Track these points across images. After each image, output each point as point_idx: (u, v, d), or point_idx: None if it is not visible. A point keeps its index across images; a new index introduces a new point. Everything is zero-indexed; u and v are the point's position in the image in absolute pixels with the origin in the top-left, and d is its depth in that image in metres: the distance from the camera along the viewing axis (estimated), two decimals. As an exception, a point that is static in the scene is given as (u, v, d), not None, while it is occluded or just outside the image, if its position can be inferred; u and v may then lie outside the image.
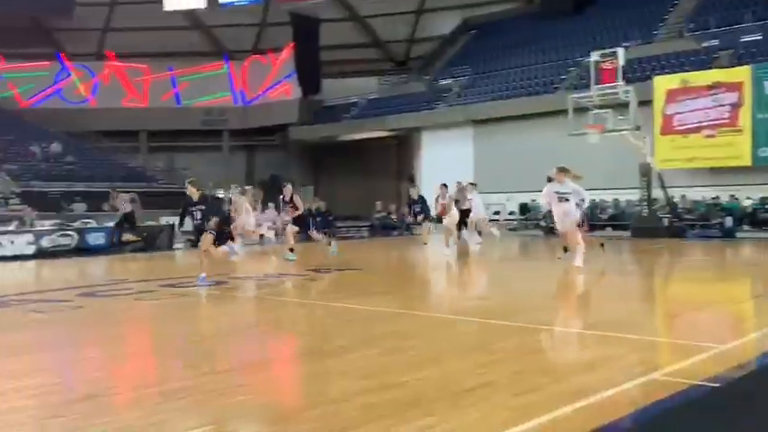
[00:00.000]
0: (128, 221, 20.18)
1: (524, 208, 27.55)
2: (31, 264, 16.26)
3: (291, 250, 14.94)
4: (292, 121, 37.60)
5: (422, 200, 17.91)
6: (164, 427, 3.77)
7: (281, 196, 15.95)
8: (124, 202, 20.60)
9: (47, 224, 19.75)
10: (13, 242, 17.42)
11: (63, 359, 5.88)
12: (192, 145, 39.18)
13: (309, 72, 37.98)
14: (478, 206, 18.97)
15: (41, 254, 17.29)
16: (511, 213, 28.05)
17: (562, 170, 11.47)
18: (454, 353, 5.51)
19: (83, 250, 18.12)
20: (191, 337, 6.78)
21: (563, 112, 22.96)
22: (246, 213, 17.78)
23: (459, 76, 34.63)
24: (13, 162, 27.63)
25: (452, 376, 4.68)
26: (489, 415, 3.78)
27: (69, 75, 39.91)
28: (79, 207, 24.15)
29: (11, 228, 18.68)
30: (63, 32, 39.71)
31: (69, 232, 18.59)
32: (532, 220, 26.06)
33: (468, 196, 19.09)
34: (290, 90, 39.00)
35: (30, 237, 17.77)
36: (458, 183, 19.49)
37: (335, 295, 9.52)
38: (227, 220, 11.43)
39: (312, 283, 11.19)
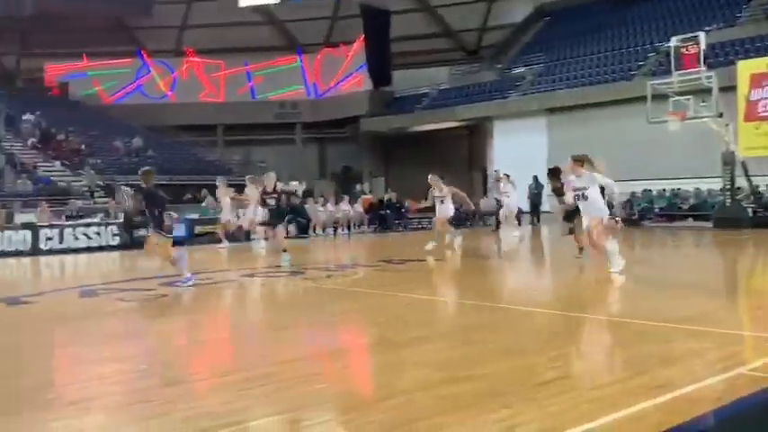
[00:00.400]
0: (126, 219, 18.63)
1: (601, 198, 26.99)
2: (116, 254, 16.95)
3: (285, 251, 12.75)
4: (363, 113, 37.82)
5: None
6: (246, 413, 3.89)
7: (263, 187, 13.94)
8: (127, 198, 19.77)
9: (130, 216, 20.51)
10: (99, 233, 18.20)
11: (148, 346, 6.12)
12: (267, 138, 39.95)
13: (380, 63, 38.07)
14: (511, 199, 18.30)
15: (125, 245, 17.99)
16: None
17: (578, 160, 9.49)
18: (531, 345, 5.46)
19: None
20: (269, 326, 6.94)
21: (641, 99, 22.31)
22: (253, 205, 16.89)
23: (532, 65, 34.08)
24: (97, 156, 28.79)
25: (530, 368, 4.64)
26: (568, 408, 3.73)
27: (149, 71, 41.28)
28: (160, 199, 24.95)
29: (97, 220, 19.52)
30: (143, 30, 41.05)
31: (151, 224, 19.25)
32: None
33: (502, 188, 18.50)
34: (362, 82, 39.23)
35: (114, 228, 18.52)
36: (495, 172, 19.12)
37: (409, 286, 9.55)
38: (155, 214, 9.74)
39: (385, 274, 11.26)
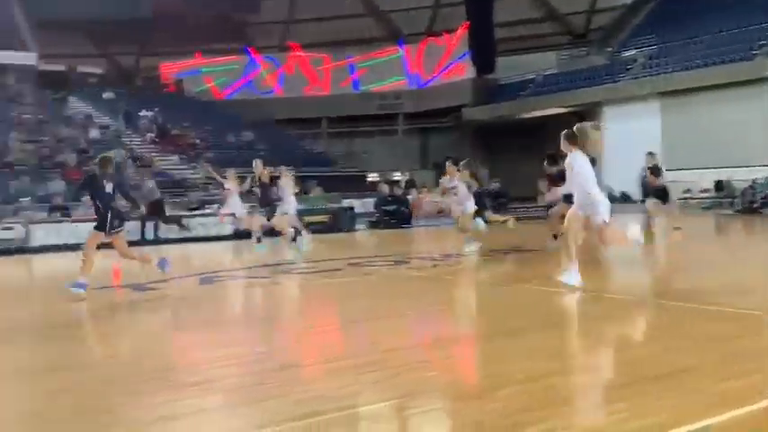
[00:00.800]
0: (156, 211, 18.58)
1: (719, 185, 25.68)
2: (230, 243, 17.63)
3: (258, 240, 13.63)
4: (466, 102, 37.53)
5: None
6: (358, 397, 3.96)
7: (252, 176, 13.93)
8: (151, 188, 19.01)
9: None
10: (214, 224, 19.02)
11: (264, 331, 6.34)
12: (369, 129, 40.41)
13: (484, 51, 37.64)
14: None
15: (238, 235, 18.69)
16: (704, 191, 26.24)
17: (570, 136, 7.49)
18: (648, 336, 5.28)
19: (275, 231, 19.28)
20: (376, 314, 7.02)
21: (763, 80, 21.02)
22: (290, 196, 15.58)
23: (643, 47, 32.75)
24: (212, 150, 29.98)
25: (646, 361, 4.48)
26: (687, 402, 3.58)
27: (257, 67, 42.57)
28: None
29: (211, 210, 20.39)
30: (251, 27, 42.40)
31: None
32: (728, 198, 24.32)
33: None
34: (465, 70, 38.93)
35: (229, 219, 19.26)
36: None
37: (516, 276, 9.44)
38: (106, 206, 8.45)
39: (491, 264, 11.16)
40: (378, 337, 5.72)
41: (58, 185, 22.00)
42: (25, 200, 20.06)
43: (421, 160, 41.16)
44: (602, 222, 7.38)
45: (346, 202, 23.86)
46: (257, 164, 14.22)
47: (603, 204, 7.39)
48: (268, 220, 14.17)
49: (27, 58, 35.77)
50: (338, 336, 6.12)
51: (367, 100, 40.84)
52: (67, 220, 18.61)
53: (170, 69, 41.56)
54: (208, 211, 20.51)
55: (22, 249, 17.14)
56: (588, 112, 32.97)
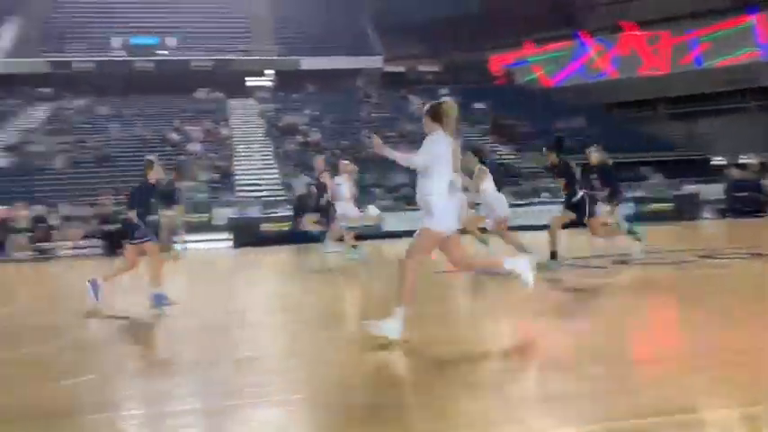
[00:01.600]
0: (303, 207, 17.35)
1: None
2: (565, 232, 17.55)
3: (353, 245, 11.98)
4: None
5: None
6: (708, 399, 3.64)
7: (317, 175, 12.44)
8: (300, 184, 17.99)
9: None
10: (544, 212, 19.16)
11: (600, 322, 6.14)
12: (713, 108, 36.96)
13: None
14: None
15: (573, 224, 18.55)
16: None
17: (433, 113, 5.33)
18: None
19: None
20: (737, 311, 6.36)
21: None
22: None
23: None
24: (542, 138, 30.07)
25: None
26: None
27: (587, 51, 41.58)
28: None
29: (542, 199, 20.57)
30: (581, 11, 41.55)
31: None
32: None
33: None
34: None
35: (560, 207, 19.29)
36: None
37: None
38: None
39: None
40: (737, 338, 5.16)
41: (401, 177, 23.98)
42: (376, 190, 22.24)
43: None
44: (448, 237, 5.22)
45: (688, 189, 22.26)
46: (321, 158, 13.57)
47: (444, 211, 5.16)
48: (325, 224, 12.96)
49: (374, 61, 39.55)
50: (674, 332, 5.68)
51: (710, 76, 37.40)
52: (411, 209, 20.22)
53: (499, 61, 42.62)
54: (541, 199, 20.66)
55: (374, 235, 19.06)
56: None
